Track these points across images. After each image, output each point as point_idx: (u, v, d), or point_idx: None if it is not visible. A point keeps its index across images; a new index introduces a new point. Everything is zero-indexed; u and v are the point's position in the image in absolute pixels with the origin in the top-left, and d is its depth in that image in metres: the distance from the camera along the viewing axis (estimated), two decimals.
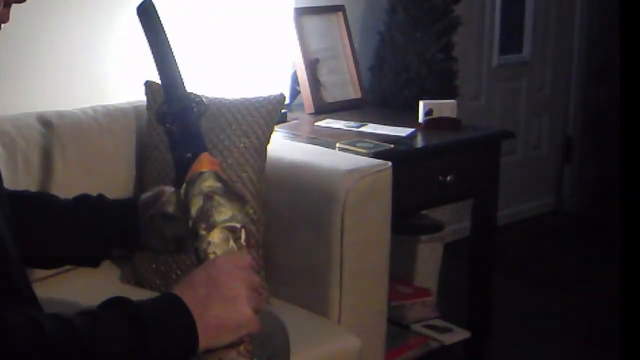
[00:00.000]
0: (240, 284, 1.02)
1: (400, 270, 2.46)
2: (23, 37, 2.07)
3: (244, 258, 1.05)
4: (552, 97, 4.19)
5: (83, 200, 1.32)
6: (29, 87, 2.12)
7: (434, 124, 2.29)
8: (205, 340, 0.98)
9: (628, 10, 1.63)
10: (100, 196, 1.32)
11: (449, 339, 2.34)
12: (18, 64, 2.10)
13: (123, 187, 1.96)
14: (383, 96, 2.72)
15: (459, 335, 2.37)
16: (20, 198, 1.31)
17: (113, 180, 1.92)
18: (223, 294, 1.00)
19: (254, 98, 1.92)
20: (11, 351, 0.89)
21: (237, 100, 1.91)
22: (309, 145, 2.11)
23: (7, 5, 1.13)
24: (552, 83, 4.17)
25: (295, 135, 2.22)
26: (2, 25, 1.15)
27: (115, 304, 0.98)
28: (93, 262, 1.33)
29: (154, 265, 1.84)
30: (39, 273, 1.82)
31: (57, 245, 1.30)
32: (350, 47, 2.65)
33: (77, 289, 1.83)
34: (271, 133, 1.90)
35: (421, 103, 2.32)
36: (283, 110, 2.29)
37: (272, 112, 1.90)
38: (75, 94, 2.17)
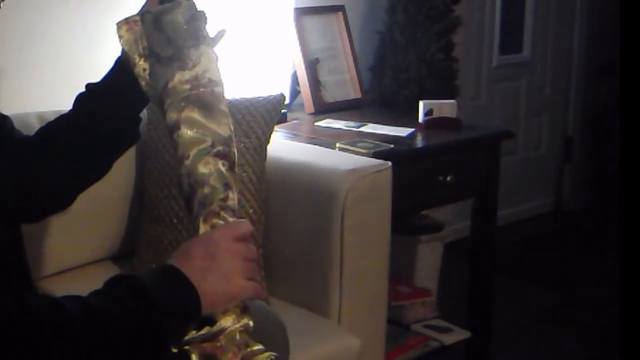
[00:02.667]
0: (236, 257, 1.05)
1: (400, 270, 2.46)
2: (23, 38, 2.07)
3: (243, 227, 1.08)
4: (552, 97, 4.19)
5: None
6: (29, 87, 2.12)
7: (434, 124, 2.29)
8: (204, 308, 1.02)
9: (628, 10, 1.63)
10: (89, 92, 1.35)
11: (449, 339, 2.34)
12: (18, 64, 2.11)
13: (123, 187, 1.96)
14: (383, 96, 2.72)
15: (459, 335, 2.37)
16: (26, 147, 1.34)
17: (113, 180, 1.92)
18: (219, 268, 1.04)
19: (254, 98, 1.92)
20: (32, 329, 0.91)
21: (237, 100, 1.91)
22: (309, 145, 2.11)
23: None
24: (552, 83, 4.17)
25: (295, 135, 2.22)
26: (2, 7, 1.14)
27: (120, 281, 1.01)
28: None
29: (154, 266, 1.83)
30: (38, 273, 1.82)
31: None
32: (350, 47, 2.65)
33: (77, 289, 1.82)
34: (271, 133, 1.90)
35: (421, 103, 2.32)
36: (283, 110, 2.29)
37: (272, 112, 1.90)
38: (75, 94, 2.16)
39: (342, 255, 1.81)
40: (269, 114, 1.89)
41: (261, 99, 1.91)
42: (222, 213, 1.08)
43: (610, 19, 3.96)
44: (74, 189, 1.38)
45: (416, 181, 2.14)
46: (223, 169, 1.09)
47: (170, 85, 1.10)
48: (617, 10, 3.41)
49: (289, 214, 1.89)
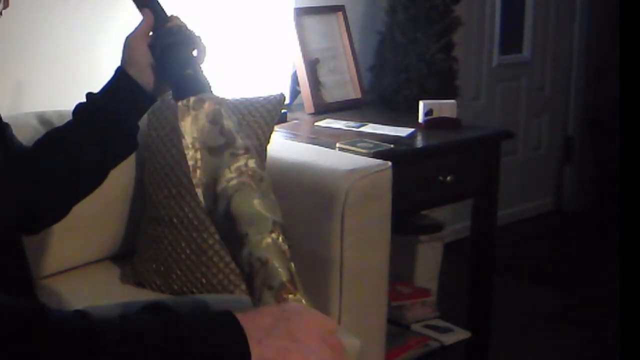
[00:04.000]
0: (314, 332, 0.86)
1: (400, 270, 2.46)
2: (23, 37, 2.07)
3: (329, 320, 0.91)
4: (552, 97, 4.19)
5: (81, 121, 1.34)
6: (29, 87, 2.12)
7: (434, 124, 2.29)
8: None
9: (628, 10, 1.63)
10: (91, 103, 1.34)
11: (449, 339, 2.34)
12: (18, 64, 2.11)
13: (123, 187, 1.96)
14: (383, 96, 2.72)
15: (459, 335, 2.37)
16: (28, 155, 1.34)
17: (113, 180, 1.92)
18: (291, 330, 0.84)
19: (254, 98, 1.92)
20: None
21: (237, 100, 1.91)
22: (309, 145, 2.11)
23: None
24: (552, 83, 4.17)
25: (295, 135, 2.22)
26: (3, 14, 1.13)
27: (156, 308, 0.87)
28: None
29: (154, 265, 1.84)
30: (38, 273, 1.82)
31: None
32: (350, 47, 2.65)
33: (77, 289, 1.83)
34: (271, 133, 1.90)
35: (421, 103, 2.32)
36: (283, 110, 2.29)
37: (272, 112, 1.90)
38: (75, 94, 2.16)
39: (342, 255, 1.81)
40: (269, 114, 1.89)
41: (261, 99, 1.91)
42: (297, 295, 1.00)
43: (610, 19, 3.96)
44: (70, 199, 1.38)
45: (416, 181, 2.14)
46: (284, 250, 1.05)
47: (220, 173, 1.08)
48: (617, 10, 3.41)
49: (289, 214, 1.89)
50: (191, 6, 2.32)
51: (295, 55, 2.47)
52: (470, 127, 2.40)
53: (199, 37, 1.27)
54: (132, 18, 2.26)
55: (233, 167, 1.08)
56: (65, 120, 1.93)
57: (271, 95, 1.93)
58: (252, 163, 1.09)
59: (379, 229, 1.88)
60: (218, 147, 1.09)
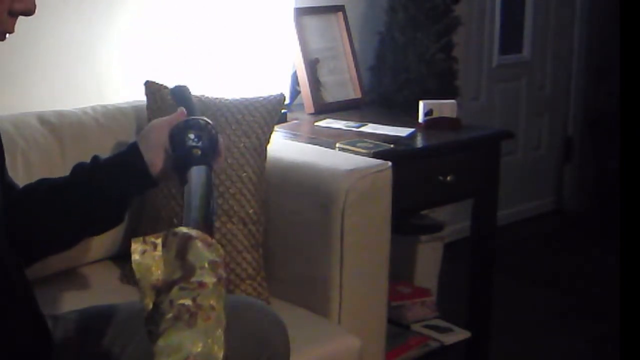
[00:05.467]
0: None
1: (400, 270, 2.46)
2: (23, 37, 2.07)
3: None
4: (552, 97, 4.19)
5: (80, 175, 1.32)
6: (29, 87, 2.12)
7: (434, 124, 2.29)
8: None
9: (628, 10, 1.64)
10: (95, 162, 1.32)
11: (449, 339, 2.34)
12: (18, 64, 2.10)
13: None
14: (383, 96, 2.72)
15: (459, 335, 2.37)
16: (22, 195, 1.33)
17: None
18: None
19: (254, 98, 1.92)
20: None
21: (237, 100, 1.91)
22: (309, 145, 2.11)
23: (13, 15, 1.10)
24: (552, 83, 4.17)
25: (295, 135, 2.22)
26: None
27: None
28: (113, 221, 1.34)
29: None
30: (38, 273, 1.82)
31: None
32: (350, 47, 2.65)
33: (77, 289, 1.84)
34: (271, 133, 1.90)
35: (421, 103, 2.32)
36: (283, 110, 2.29)
37: (272, 112, 1.90)
38: (75, 94, 2.17)
39: (342, 255, 1.81)
40: (269, 114, 1.89)
41: (261, 99, 1.91)
42: None
43: (610, 19, 3.96)
44: (40, 252, 1.35)
45: (416, 181, 2.14)
46: None
47: (164, 309, 0.98)
48: (617, 10, 3.41)
49: (289, 214, 1.89)
50: (192, 6, 2.32)
51: (295, 55, 2.47)
52: (470, 127, 2.40)
53: (221, 141, 1.28)
54: (132, 18, 2.26)
55: (177, 303, 0.97)
56: (64, 120, 1.93)
57: (271, 95, 1.93)
58: (202, 299, 0.98)
59: (379, 229, 1.88)
60: (171, 282, 1.00)
